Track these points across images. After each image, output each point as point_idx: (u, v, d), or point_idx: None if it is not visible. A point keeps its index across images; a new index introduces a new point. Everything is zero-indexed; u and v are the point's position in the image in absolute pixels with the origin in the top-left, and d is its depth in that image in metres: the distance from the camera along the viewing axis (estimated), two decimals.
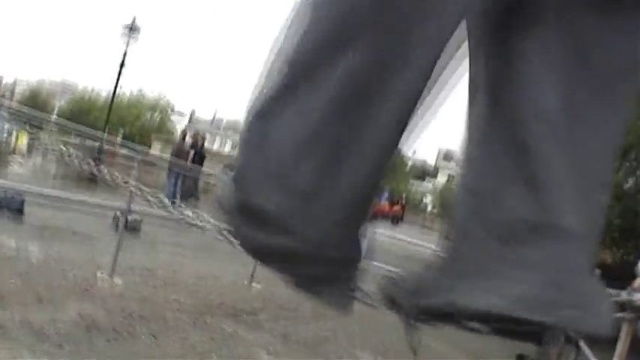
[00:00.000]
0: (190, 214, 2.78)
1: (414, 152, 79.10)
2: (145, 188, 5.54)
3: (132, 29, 16.07)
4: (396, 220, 34.14)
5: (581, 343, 6.62)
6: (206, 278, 7.47)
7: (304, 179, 0.91)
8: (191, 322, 5.14)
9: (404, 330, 1.03)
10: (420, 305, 0.98)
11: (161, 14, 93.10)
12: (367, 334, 7.14)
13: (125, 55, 16.23)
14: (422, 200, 63.42)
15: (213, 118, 78.84)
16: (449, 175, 69.72)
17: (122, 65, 16.44)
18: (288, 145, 0.91)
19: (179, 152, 14.91)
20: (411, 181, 67.02)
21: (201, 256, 9.23)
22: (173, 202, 11.75)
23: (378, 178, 0.96)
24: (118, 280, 5.57)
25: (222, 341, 4.93)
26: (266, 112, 0.93)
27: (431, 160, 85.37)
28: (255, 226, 0.95)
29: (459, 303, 0.90)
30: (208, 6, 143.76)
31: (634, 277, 7.53)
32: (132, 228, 9.21)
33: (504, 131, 0.92)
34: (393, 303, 1.08)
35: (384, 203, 36.67)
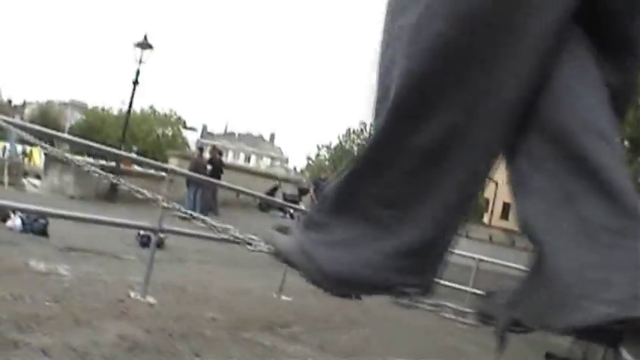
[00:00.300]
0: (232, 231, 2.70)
1: None
2: (172, 204, 5.50)
3: (144, 46, 16.11)
4: None
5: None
6: (236, 293, 7.42)
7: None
8: (230, 338, 5.06)
9: (495, 343, 1.05)
10: (527, 323, 1.00)
11: (166, 30, 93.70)
12: (401, 340, 7.09)
13: (138, 72, 16.24)
14: None
15: (225, 130, 79.36)
16: None
17: (136, 83, 16.45)
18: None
19: (197, 167, 14.95)
20: None
21: (228, 270, 9.21)
22: (192, 216, 11.66)
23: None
24: (151, 299, 5.50)
25: (262, 355, 4.86)
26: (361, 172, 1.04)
27: None
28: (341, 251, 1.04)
29: (574, 318, 0.89)
30: (212, 17, 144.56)
31: None
32: (156, 244, 9.18)
33: (557, 149, 0.95)
34: (488, 318, 1.11)
35: None
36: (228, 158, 64.44)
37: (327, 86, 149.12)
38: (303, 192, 25.76)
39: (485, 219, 43.75)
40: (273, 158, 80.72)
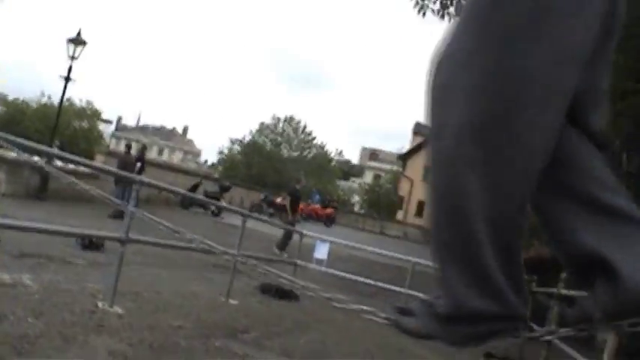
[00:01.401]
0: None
1: (340, 152, 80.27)
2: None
3: (77, 42, 15.52)
4: (329, 222, 34.62)
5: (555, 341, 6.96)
6: (187, 297, 7.42)
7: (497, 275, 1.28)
8: (203, 348, 5.13)
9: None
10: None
11: (78, 20, 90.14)
12: (352, 341, 7.32)
13: (70, 69, 15.63)
14: (349, 200, 64.01)
15: (138, 122, 77.55)
16: (375, 175, 70.53)
17: (67, 79, 15.83)
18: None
19: (126, 165, 14.64)
20: (337, 181, 67.54)
21: (170, 272, 9.14)
22: (121, 217, 11.55)
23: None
24: (118, 309, 5.45)
25: None
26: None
27: (354, 160, 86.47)
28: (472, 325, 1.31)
29: None
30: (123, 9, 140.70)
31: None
32: (95, 247, 9.01)
33: (589, 207, 1.30)
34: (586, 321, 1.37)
35: (316, 206, 37.11)
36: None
37: (241, 80, 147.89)
38: (224, 189, 25.67)
39: (400, 216, 44.57)
40: (185, 152, 79.75)
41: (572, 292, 5.75)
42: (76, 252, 8.29)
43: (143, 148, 17.29)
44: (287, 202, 16.41)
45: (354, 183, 73.31)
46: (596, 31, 1.25)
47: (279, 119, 61.77)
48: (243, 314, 7.27)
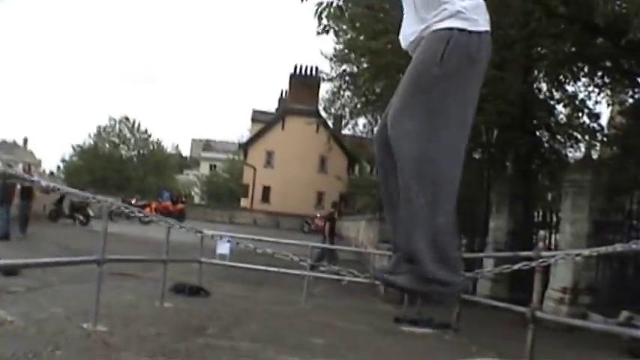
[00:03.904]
0: None
1: (176, 146, 78.19)
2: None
3: None
4: (181, 217, 33.86)
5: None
6: (129, 306, 7.28)
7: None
8: (198, 347, 5.22)
9: None
10: None
11: None
12: (296, 324, 7.62)
13: None
14: (189, 193, 62.68)
15: None
16: (211, 165, 69.43)
17: None
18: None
19: (7, 185, 13.51)
20: (174, 175, 65.98)
21: (88, 286, 8.69)
22: (7, 238, 11.09)
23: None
24: (103, 328, 5.35)
25: (239, 356, 5.19)
26: None
27: (186, 152, 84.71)
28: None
29: None
30: None
31: None
32: (10, 273, 8.44)
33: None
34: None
35: (167, 203, 36.25)
36: None
37: (76, 85, 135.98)
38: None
39: (246, 203, 44.07)
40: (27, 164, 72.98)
41: None
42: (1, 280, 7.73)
43: (28, 169, 16.10)
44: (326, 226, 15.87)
45: (189, 175, 71.96)
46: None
47: (115, 120, 58.87)
48: (188, 314, 7.26)
